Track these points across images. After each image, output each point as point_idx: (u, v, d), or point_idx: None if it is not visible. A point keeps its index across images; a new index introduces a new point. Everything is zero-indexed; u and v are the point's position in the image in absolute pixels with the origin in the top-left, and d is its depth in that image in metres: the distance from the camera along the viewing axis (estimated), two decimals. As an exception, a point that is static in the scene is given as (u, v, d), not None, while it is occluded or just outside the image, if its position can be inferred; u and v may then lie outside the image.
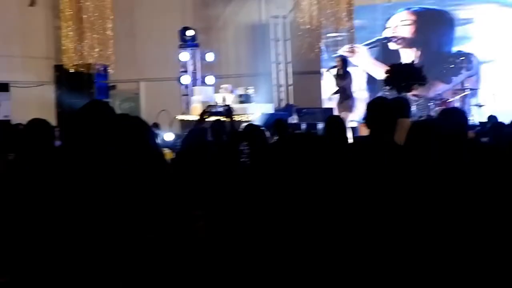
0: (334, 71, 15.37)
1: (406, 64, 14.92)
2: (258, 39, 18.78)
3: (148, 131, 4.56)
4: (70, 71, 17.88)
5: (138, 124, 4.51)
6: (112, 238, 3.88)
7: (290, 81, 18.44)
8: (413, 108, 13.52)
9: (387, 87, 14.46)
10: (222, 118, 9.80)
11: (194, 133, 8.13)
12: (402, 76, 14.28)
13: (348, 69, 15.30)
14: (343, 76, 14.98)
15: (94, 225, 3.85)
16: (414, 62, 15.26)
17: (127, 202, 3.91)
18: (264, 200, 3.77)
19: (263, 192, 3.83)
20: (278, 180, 3.77)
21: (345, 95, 14.90)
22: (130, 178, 3.95)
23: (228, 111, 11.44)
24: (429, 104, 15.07)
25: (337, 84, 15.09)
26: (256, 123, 11.36)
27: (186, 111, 17.17)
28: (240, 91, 16.34)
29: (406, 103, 7.47)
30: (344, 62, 15.18)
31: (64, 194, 3.89)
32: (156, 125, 14.71)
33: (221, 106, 13.64)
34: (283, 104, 18.09)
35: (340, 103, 14.92)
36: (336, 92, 15.12)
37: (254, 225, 3.75)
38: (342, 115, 13.30)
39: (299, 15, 15.46)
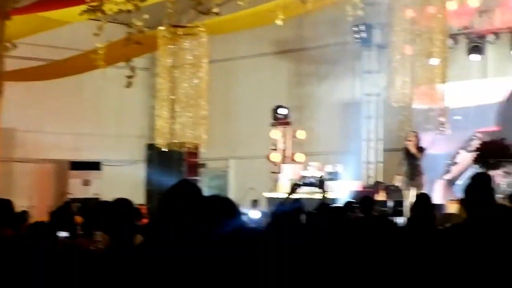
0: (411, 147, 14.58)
1: (496, 141, 14.80)
2: (350, 117, 18.80)
3: (234, 212, 4.87)
4: (162, 149, 18.14)
5: (226, 205, 4.82)
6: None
7: (380, 158, 18.34)
8: (504, 185, 13.39)
9: (476, 165, 14.29)
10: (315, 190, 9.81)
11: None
12: (492, 154, 14.17)
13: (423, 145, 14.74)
14: (418, 152, 14.48)
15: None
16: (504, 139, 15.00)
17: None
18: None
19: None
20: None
21: (417, 172, 14.47)
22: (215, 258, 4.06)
23: (321, 182, 11.29)
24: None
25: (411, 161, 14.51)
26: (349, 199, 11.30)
27: (274, 189, 17.17)
28: (329, 168, 16.23)
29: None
30: (418, 137, 14.60)
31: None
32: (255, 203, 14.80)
33: (313, 178, 13.48)
34: (371, 181, 18.03)
35: (412, 179, 14.33)
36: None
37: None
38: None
39: (392, 93, 15.29)
